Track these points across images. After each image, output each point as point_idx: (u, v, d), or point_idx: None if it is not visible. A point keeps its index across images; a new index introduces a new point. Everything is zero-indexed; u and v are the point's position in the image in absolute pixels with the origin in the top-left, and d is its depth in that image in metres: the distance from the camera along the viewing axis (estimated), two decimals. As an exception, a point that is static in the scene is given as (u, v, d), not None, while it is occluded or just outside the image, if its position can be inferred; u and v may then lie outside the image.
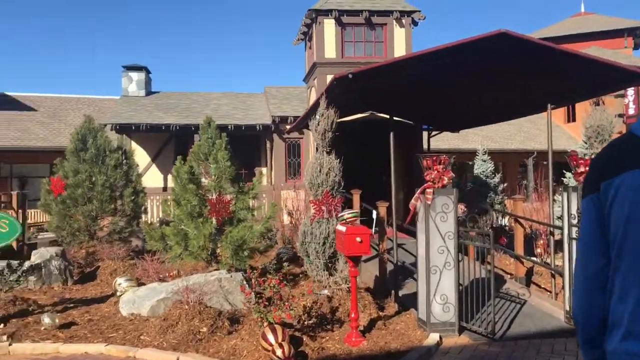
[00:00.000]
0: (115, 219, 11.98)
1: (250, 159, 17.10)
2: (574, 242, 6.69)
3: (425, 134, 15.96)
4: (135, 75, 17.91)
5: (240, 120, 16.23)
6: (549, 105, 7.87)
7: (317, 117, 7.10)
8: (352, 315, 6.00)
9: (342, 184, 7.19)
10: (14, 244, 13.01)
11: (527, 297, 8.18)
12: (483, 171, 23.77)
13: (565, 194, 6.96)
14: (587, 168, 6.99)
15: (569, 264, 6.78)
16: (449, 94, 9.75)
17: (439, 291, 6.37)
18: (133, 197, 12.37)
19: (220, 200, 8.52)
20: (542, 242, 9.29)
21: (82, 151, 12.11)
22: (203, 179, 9.08)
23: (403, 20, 14.70)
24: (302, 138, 16.27)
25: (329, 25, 14.46)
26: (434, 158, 6.39)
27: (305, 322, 6.62)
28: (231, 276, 7.52)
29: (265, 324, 5.70)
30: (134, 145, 16.44)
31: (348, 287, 6.97)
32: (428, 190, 6.35)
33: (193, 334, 6.06)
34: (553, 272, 7.85)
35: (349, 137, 11.56)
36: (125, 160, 13.60)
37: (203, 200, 8.51)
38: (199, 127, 15.87)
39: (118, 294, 7.85)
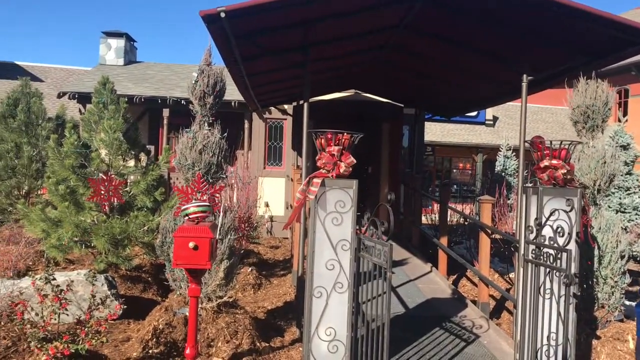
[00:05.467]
0: (42, 198, 10.49)
1: (230, 140, 15.33)
2: (530, 266, 4.70)
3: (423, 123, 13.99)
4: (114, 43, 16.39)
5: (216, 96, 14.48)
6: (524, 76, 5.81)
7: (195, 74, 5.30)
8: (187, 352, 4.22)
9: (224, 167, 5.39)
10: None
11: (482, 330, 6.21)
12: (505, 168, 21.40)
13: (524, 197, 4.95)
14: (554, 161, 4.94)
15: (523, 293, 4.79)
16: (417, 66, 7.76)
17: (324, 322, 4.47)
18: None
19: (109, 181, 6.84)
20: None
21: (12, 117, 10.67)
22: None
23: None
24: (285, 119, 14.46)
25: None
26: (329, 136, 4.49)
27: (152, 351, 4.90)
28: (86, 279, 5.83)
29: (44, 357, 3.98)
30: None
31: (214, 307, 5.18)
32: (315, 180, 4.46)
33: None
34: (514, 301, 5.82)
35: (326, 119, 9.71)
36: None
37: (86, 180, 6.87)
38: (167, 101, 14.46)
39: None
